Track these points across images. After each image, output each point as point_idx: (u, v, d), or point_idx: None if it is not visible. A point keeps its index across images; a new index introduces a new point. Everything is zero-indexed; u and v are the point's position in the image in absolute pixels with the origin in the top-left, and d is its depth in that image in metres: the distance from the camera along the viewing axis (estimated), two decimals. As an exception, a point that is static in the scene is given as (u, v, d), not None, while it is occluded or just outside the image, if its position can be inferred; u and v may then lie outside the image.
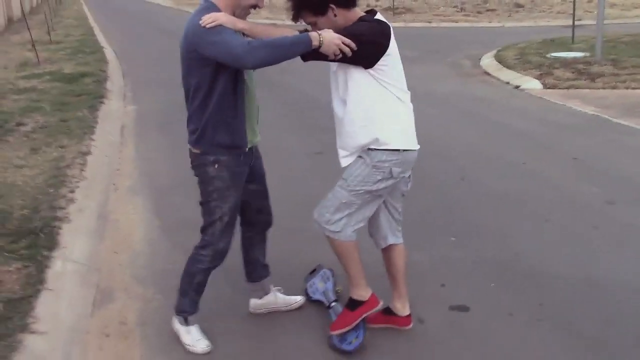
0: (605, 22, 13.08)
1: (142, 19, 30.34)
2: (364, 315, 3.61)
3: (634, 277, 4.30)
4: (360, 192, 3.41)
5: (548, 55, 13.48)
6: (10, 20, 27.40)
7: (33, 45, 15.38)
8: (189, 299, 3.64)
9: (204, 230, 3.54)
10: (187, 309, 3.66)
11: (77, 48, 17.71)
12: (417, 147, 3.49)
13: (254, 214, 3.79)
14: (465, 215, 5.48)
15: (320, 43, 3.09)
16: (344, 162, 3.50)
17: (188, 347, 3.60)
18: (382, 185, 3.40)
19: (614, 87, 10.53)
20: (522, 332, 3.73)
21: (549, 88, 10.86)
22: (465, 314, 3.94)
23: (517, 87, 11.24)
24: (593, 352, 3.52)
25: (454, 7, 30.67)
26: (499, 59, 13.55)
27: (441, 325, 3.82)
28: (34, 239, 4.73)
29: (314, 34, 3.10)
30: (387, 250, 3.78)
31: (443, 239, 4.99)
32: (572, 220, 5.29)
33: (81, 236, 5.04)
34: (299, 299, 4.05)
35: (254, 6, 3.35)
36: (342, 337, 3.57)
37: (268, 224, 3.87)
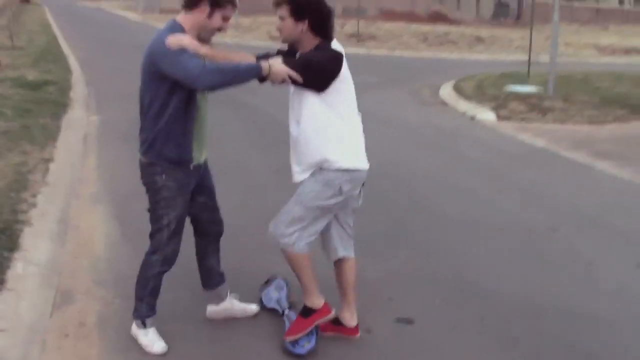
0: (560, 60, 13.57)
1: (108, 30, 30.29)
2: (316, 322, 3.81)
3: (567, 299, 4.58)
4: (312, 207, 3.63)
5: (504, 89, 13.91)
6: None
7: (-6, 50, 15.37)
8: (145, 302, 3.80)
9: (152, 236, 3.73)
10: (144, 312, 3.81)
11: (40, 55, 17.69)
12: (366, 166, 3.71)
13: (206, 225, 3.98)
14: (415, 235, 5.72)
15: (268, 72, 3.35)
16: (297, 177, 3.73)
17: (145, 348, 3.75)
18: (332, 201, 3.63)
19: (563, 122, 10.97)
20: (464, 345, 3.96)
21: (503, 120, 11.24)
22: (411, 327, 4.16)
23: (472, 117, 11.60)
24: (523, 356, 3.78)
25: (417, 37, 31.26)
26: (457, 90, 13.93)
27: (388, 336, 4.03)
28: (-4, 241, 4.83)
29: (264, 64, 3.36)
30: (338, 263, 3.98)
31: (393, 256, 5.21)
32: (517, 244, 5.58)
33: (42, 240, 5.15)
34: (254, 307, 4.22)
35: (219, 29, 3.56)
36: (296, 341, 3.75)
37: (219, 233, 4.06)
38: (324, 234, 3.91)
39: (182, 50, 3.29)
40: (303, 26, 3.53)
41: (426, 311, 4.35)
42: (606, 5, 65.70)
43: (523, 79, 15.22)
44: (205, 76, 3.26)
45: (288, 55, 3.63)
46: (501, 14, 55.17)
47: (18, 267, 4.51)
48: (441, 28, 38.47)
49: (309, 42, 3.58)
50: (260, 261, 4.91)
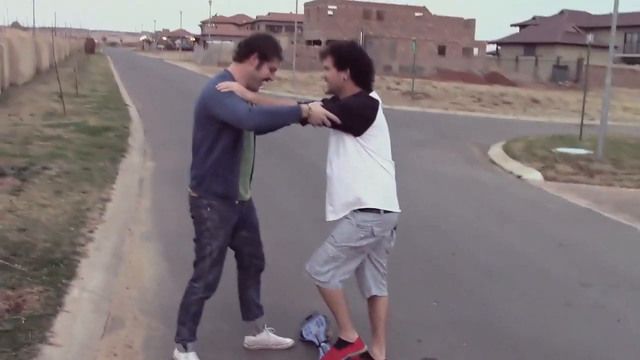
0: (616, 123, 13.67)
1: (167, 80, 31.41)
2: (348, 355, 4.05)
3: (593, 350, 4.71)
4: (345, 247, 3.92)
5: (553, 150, 14.06)
6: (38, 72, 28.55)
7: (61, 96, 16.19)
8: (187, 328, 4.11)
9: (196, 264, 4.09)
10: (185, 337, 4.11)
11: (102, 103, 18.55)
12: (398, 210, 3.99)
13: (247, 259, 4.30)
14: (450, 284, 5.92)
15: (308, 115, 3.70)
16: (330, 217, 4.03)
17: None
18: (364, 242, 3.91)
19: (609, 185, 11.06)
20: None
21: (549, 180, 11.38)
22: (436, 366, 4.36)
23: (519, 176, 11.77)
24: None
25: (472, 97, 31.56)
26: (506, 150, 14.12)
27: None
28: (55, 269, 5.20)
29: (304, 107, 3.72)
30: (371, 301, 4.24)
31: (426, 301, 5.42)
32: (548, 296, 5.73)
33: (97, 271, 5.52)
34: (289, 341, 4.48)
35: (266, 79, 3.93)
36: None
37: (260, 268, 4.36)
38: (359, 273, 4.17)
39: (231, 94, 3.66)
40: (345, 75, 3.88)
41: (452, 354, 4.54)
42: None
43: (574, 142, 15.34)
44: (251, 117, 3.65)
45: (330, 102, 3.97)
46: (559, 77, 55.18)
47: (74, 292, 4.86)
48: (497, 89, 38.69)
49: (350, 91, 3.92)
50: (297, 300, 5.18)
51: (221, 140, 3.83)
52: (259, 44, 3.89)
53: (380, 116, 3.88)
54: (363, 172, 3.88)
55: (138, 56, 58.80)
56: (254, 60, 3.86)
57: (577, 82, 54.65)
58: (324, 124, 3.75)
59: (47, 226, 6.30)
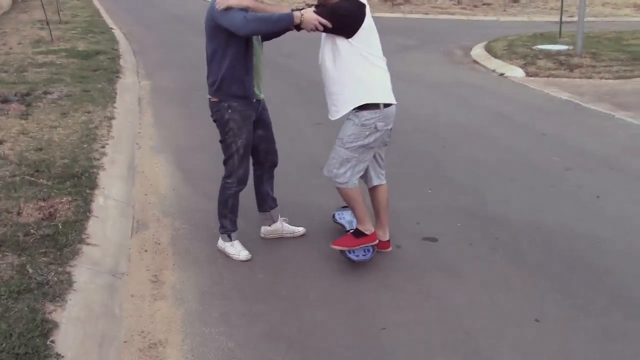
0: (595, 19, 13.92)
1: (148, 3, 31.06)
2: (361, 245, 4.47)
3: (574, 224, 5.23)
4: (355, 147, 4.31)
5: (534, 47, 14.34)
6: (14, 1, 28.15)
7: (47, 24, 16.20)
8: (228, 220, 4.63)
9: (225, 162, 4.53)
10: (228, 227, 4.64)
11: (86, 28, 18.50)
12: (395, 101, 4.35)
13: (263, 155, 4.73)
14: (442, 174, 6.39)
15: (300, 21, 4.04)
16: (335, 115, 4.37)
17: (233, 256, 4.59)
18: (372, 138, 4.30)
19: (589, 77, 11.43)
20: (479, 257, 4.66)
21: (530, 76, 11.73)
22: (435, 243, 4.88)
23: (501, 74, 12.12)
24: (534, 273, 4.45)
25: (451, 0, 31.46)
26: (488, 50, 14.38)
27: (414, 250, 4.75)
28: (77, 181, 5.61)
29: (296, 13, 4.05)
30: (372, 190, 4.69)
31: (421, 191, 5.90)
32: (533, 181, 6.22)
33: (116, 181, 5.94)
34: (301, 229, 4.97)
35: None
36: (353, 251, 4.45)
37: (274, 163, 4.80)
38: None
39: (229, 8, 4.03)
40: None
41: (448, 232, 5.05)
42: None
43: (554, 39, 15.60)
44: (246, 25, 4.01)
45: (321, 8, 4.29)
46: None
47: (100, 200, 5.29)
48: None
49: None
50: (307, 196, 5.65)
51: (232, 47, 4.20)
52: None
53: (368, 17, 4.19)
54: (359, 71, 4.21)
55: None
56: None
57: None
58: (316, 29, 4.07)
59: (61, 145, 6.67)
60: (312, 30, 4.11)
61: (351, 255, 4.45)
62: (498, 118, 8.72)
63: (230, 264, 4.55)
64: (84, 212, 4.99)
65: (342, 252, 4.49)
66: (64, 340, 3.37)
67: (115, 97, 9.27)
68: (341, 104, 4.32)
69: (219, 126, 4.46)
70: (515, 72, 12.08)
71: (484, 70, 12.74)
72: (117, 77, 10.99)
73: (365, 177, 4.66)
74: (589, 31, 13.45)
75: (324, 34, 4.26)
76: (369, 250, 4.50)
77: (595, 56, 13.02)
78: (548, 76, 11.66)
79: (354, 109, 4.26)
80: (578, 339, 3.69)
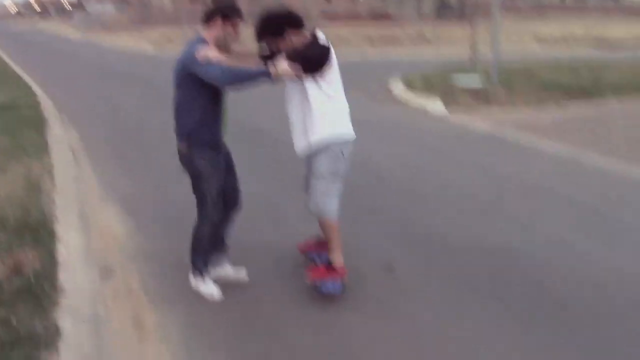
0: (504, 52, 14.73)
1: (56, 52, 30.67)
2: (332, 278, 4.71)
3: (512, 244, 5.69)
4: (331, 176, 4.66)
5: (451, 82, 15.10)
6: None
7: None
8: (201, 259, 4.77)
9: (200, 210, 4.70)
10: (202, 267, 4.79)
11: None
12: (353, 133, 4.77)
13: (230, 193, 4.89)
14: (387, 206, 6.78)
15: (275, 74, 4.30)
16: (305, 151, 4.71)
17: (205, 295, 4.74)
18: (341, 165, 4.69)
19: (507, 109, 12.20)
20: (432, 283, 5.04)
21: (451, 110, 12.43)
22: (392, 273, 5.22)
23: (424, 110, 12.74)
24: (483, 291, 4.85)
25: (364, 39, 32.44)
26: (407, 85, 15.07)
27: (371, 277, 5.06)
28: (36, 233, 5.67)
29: (272, 69, 4.30)
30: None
31: (370, 223, 6.24)
32: (473, 208, 6.71)
33: (71, 230, 6.01)
34: (243, 273, 5.09)
35: (234, 36, 4.55)
36: (323, 284, 4.69)
37: (239, 202, 4.96)
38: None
39: (208, 60, 4.29)
40: (289, 37, 4.56)
41: (404, 261, 5.40)
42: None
43: (468, 72, 16.42)
44: (224, 78, 4.28)
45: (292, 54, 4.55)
46: (443, 12, 56.81)
47: (62, 250, 5.38)
48: (387, 29, 39.62)
49: (301, 39, 4.57)
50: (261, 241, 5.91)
51: (203, 96, 4.44)
52: (219, 8, 4.48)
53: (334, 58, 4.56)
54: (329, 109, 4.59)
55: (13, 28, 56.68)
56: (218, 22, 4.46)
57: (461, 16, 56.51)
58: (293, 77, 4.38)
59: (9, 199, 6.68)
60: (289, 79, 4.42)
61: (321, 287, 4.71)
62: (428, 150, 9.26)
63: (202, 301, 4.73)
64: (50, 262, 5.09)
65: (313, 284, 4.74)
66: (67, 385, 3.49)
67: (48, 149, 9.27)
68: (314, 140, 4.61)
69: (191, 176, 4.65)
70: (436, 106, 12.72)
71: (405, 105, 13.34)
72: (45, 128, 10.96)
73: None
74: (500, 66, 14.26)
75: (289, 83, 4.59)
76: (338, 283, 4.73)
77: (510, 88, 13.84)
78: (467, 110, 12.33)
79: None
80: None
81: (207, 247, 4.79)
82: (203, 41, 4.46)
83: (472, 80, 15.14)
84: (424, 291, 4.87)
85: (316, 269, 4.83)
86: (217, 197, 4.67)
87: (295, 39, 4.58)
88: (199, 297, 4.77)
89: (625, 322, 4.38)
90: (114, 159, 9.18)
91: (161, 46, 32.03)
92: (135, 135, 10.80)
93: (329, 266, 4.77)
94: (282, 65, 4.33)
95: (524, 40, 29.56)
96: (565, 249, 5.62)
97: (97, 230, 6.25)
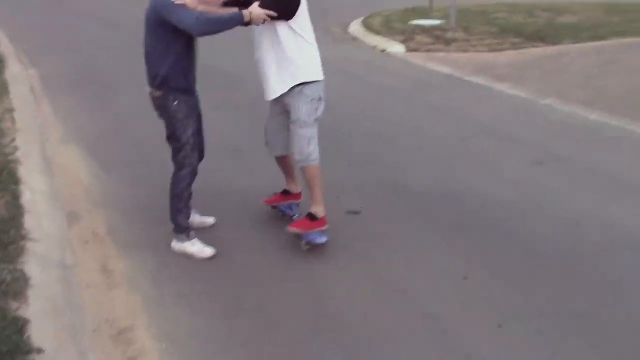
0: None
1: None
2: (316, 229, 4.71)
3: (478, 188, 5.81)
4: (312, 121, 4.64)
5: (409, 23, 15.04)
6: None
7: None
8: (183, 214, 4.67)
9: (176, 156, 4.62)
10: (184, 223, 4.68)
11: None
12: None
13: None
14: (349, 149, 6.82)
15: (249, 18, 4.27)
16: (275, 94, 4.63)
17: (196, 255, 4.63)
18: (321, 108, 4.69)
19: (465, 51, 12.21)
20: (399, 224, 5.14)
21: (410, 51, 12.38)
22: (358, 216, 5.30)
23: (383, 50, 12.69)
24: (448, 234, 4.99)
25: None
26: (366, 26, 14.94)
27: (339, 223, 5.11)
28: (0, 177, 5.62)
29: (245, 12, 4.26)
30: (285, 157, 5.01)
31: (337, 165, 6.26)
32: (436, 151, 6.80)
33: (36, 174, 5.96)
34: (211, 219, 5.15)
35: None
36: (309, 234, 4.68)
37: (202, 155, 4.89)
38: (278, 136, 4.90)
39: (183, 6, 4.21)
40: None
41: (369, 204, 5.49)
42: None
43: (427, 13, 16.38)
44: (200, 26, 4.20)
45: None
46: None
47: (27, 195, 5.34)
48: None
49: None
50: (222, 181, 5.92)
51: (177, 43, 4.36)
52: None
53: (304, 1, 4.51)
54: (304, 51, 4.55)
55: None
56: None
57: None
58: (264, 21, 4.33)
59: (-32, 141, 6.58)
60: (261, 23, 4.34)
61: (309, 238, 4.69)
62: (387, 94, 9.26)
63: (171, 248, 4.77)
64: (15, 207, 5.04)
65: (297, 235, 4.72)
66: (38, 334, 3.50)
67: (8, 88, 9.07)
68: (288, 79, 4.56)
69: (166, 119, 4.59)
70: (396, 47, 12.67)
71: (366, 46, 13.27)
72: (3, 66, 10.68)
73: (279, 145, 4.95)
74: (456, 4, 14.22)
75: (260, 27, 4.49)
76: (323, 233, 4.75)
77: (468, 30, 13.85)
78: (427, 51, 12.32)
79: (297, 87, 4.56)
80: (502, 291, 4.22)
81: (188, 198, 4.69)
82: None
83: (430, 22, 15.11)
84: (390, 235, 4.97)
85: (300, 221, 4.78)
86: (194, 141, 4.61)
87: None
88: (167, 243, 4.78)
89: (592, 260, 4.58)
90: (73, 95, 9.03)
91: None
92: (95, 73, 10.58)
93: (313, 217, 4.74)
94: (257, 10, 4.28)
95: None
96: (528, 188, 5.78)
97: (61, 173, 6.20)
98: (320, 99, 4.68)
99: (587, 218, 5.21)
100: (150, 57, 4.50)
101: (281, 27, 4.47)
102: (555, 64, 10.94)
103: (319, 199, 4.76)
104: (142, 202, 5.43)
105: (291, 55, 4.53)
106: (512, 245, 4.81)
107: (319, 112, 4.70)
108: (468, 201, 5.55)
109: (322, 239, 4.73)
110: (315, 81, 4.63)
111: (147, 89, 4.60)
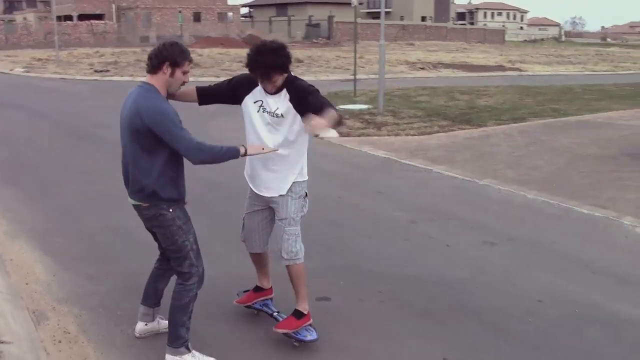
0: (376, 76, 15.35)
1: None
2: (303, 325, 4.65)
3: (436, 270, 5.98)
4: (299, 219, 4.66)
5: (337, 107, 15.46)
6: None
7: None
8: (186, 327, 4.31)
9: (180, 267, 4.30)
10: (186, 337, 4.32)
11: None
12: None
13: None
14: (308, 234, 6.85)
15: (245, 152, 4.19)
16: (277, 192, 4.57)
17: None
18: (306, 205, 4.72)
19: (397, 135, 12.70)
20: (372, 310, 5.22)
21: (344, 136, 12.74)
22: (329, 302, 5.35)
23: (316, 135, 12.92)
24: (420, 317, 5.09)
25: (239, 62, 32.39)
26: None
27: (312, 311, 5.11)
28: (-46, 277, 5.42)
29: (241, 148, 4.15)
30: (261, 254, 4.99)
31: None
32: (388, 236, 6.95)
33: (-9, 273, 5.77)
34: None
35: (182, 82, 4.39)
36: (298, 332, 4.62)
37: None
38: (260, 232, 4.85)
39: (177, 123, 4.00)
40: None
41: (336, 291, 5.56)
42: (411, 22, 71.21)
43: (351, 98, 16.94)
44: (198, 155, 4.02)
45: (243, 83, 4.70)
46: (313, 34, 58.17)
47: (-12, 296, 5.16)
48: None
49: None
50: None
51: (163, 151, 4.08)
52: (167, 54, 4.20)
53: None
54: (304, 148, 4.59)
55: None
56: (167, 69, 4.18)
57: (329, 38, 57.98)
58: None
59: None
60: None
61: (299, 336, 4.63)
62: (334, 178, 9.49)
63: (152, 345, 4.63)
64: (-21, 309, 4.87)
65: (286, 334, 4.64)
66: None
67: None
68: (287, 182, 4.54)
69: (161, 231, 4.25)
70: (330, 132, 12.91)
71: (299, 132, 13.52)
72: None
73: (259, 243, 4.89)
74: (377, 89, 14.78)
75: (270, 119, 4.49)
76: (311, 330, 4.69)
77: (396, 114, 14.43)
78: (360, 135, 12.73)
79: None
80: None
81: (192, 311, 4.34)
82: (153, 89, 4.18)
83: (356, 106, 15.63)
84: (364, 323, 5.04)
85: (287, 321, 4.69)
86: (198, 247, 4.36)
87: (280, 78, 4.48)
88: (144, 340, 4.68)
89: (560, 336, 4.75)
90: (10, 192, 8.81)
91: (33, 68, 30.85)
92: (34, 165, 10.37)
93: (300, 314, 4.69)
94: (253, 148, 4.26)
95: (394, 64, 30.67)
96: (485, 268, 5.98)
97: (16, 271, 6.00)
98: (306, 195, 4.71)
99: (548, 295, 5.44)
100: (133, 168, 4.17)
101: (298, 125, 4.45)
102: (485, 146, 11.50)
103: (304, 295, 4.72)
104: (107, 299, 5.33)
105: (301, 154, 4.56)
106: (482, 325, 4.97)
107: (305, 210, 4.74)
108: (430, 283, 5.71)
109: (313, 336, 4.65)
110: (304, 180, 4.66)
111: (131, 201, 4.29)
